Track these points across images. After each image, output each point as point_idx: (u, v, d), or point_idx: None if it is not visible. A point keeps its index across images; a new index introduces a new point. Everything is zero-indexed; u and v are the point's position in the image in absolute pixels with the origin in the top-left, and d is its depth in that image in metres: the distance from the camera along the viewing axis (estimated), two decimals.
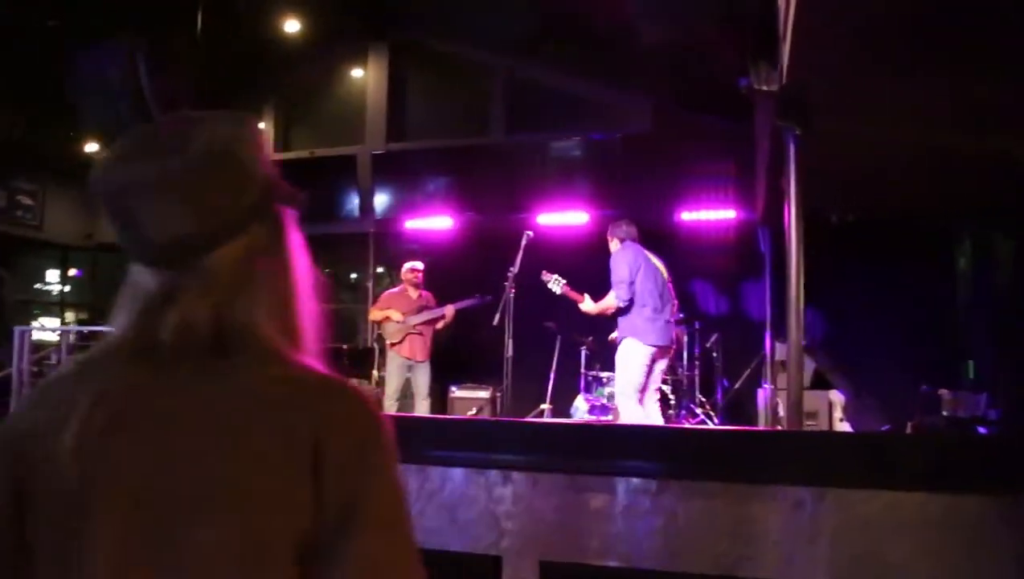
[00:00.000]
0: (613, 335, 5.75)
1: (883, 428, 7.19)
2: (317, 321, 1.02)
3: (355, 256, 10.37)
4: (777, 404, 7.43)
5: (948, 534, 3.34)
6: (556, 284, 5.84)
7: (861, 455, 3.60)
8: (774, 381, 7.45)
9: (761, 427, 6.81)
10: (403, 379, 7.64)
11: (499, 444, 4.04)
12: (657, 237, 7.70)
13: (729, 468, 3.72)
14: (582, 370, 7.93)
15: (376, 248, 9.95)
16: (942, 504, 3.34)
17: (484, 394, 8.35)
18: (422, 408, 7.52)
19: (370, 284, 9.93)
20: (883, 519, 3.40)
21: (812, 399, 7.73)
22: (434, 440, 4.27)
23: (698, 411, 7.72)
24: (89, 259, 11.36)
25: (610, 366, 6.35)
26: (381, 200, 9.62)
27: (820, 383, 7.83)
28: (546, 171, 8.84)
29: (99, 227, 10.30)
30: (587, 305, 5.70)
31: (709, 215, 8.20)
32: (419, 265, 7.81)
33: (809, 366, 7.83)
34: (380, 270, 9.89)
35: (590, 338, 7.62)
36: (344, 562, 0.88)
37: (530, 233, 5.84)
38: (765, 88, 4.04)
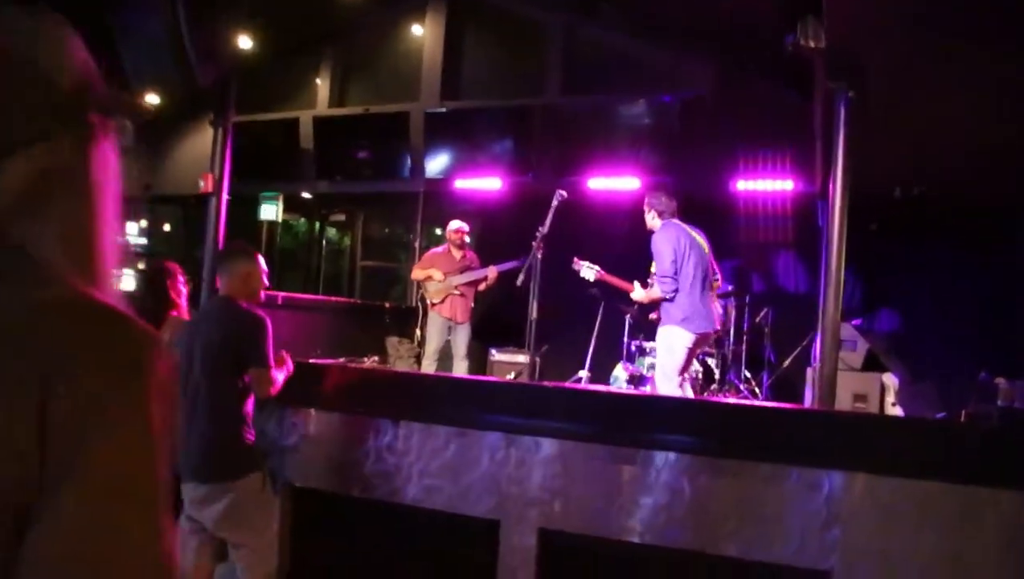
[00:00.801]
0: (653, 315, 5.58)
1: (937, 415, 6.82)
2: (116, 255, 0.85)
3: (405, 215, 10.29)
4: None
5: (972, 530, 3.10)
6: (589, 271, 5.67)
7: (887, 441, 3.36)
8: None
9: (796, 405, 6.53)
10: (443, 340, 7.60)
11: (503, 407, 3.96)
12: (711, 207, 7.72)
13: (745, 446, 3.55)
14: (624, 339, 7.81)
15: (425, 207, 9.81)
16: (969, 496, 3.10)
17: (523, 359, 8.06)
18: (460, 369, 7.48)
19: (418, 243, 9.79)
20: (904, 508, 3.18)
21: (864, 381, 7.42)
22: (442, 399, 4.23)
23: (742, 387, 7.50)
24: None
25: (653, 336, 6.19)
26: (433, 159, 9.36)
27: (874, 364, 7.50)
28: (599, 134, 8.52)
29: (157, 179, 10.45)
30: (638, 293, 5.53)
31: (766, 186, 7.83)
32: (464, 226, 7.74)
33: (863, 347, 7.50)
34: (437, 231, 9.75)
35: (635, 307, 7.36)
36: (42, 534, 0.71)
37: (563, 193, 5.55)
38: (812, 44, 3.75)
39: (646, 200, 5.58)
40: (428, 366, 7.60)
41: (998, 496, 2.98)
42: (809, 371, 7.46)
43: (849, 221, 7.23)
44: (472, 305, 7.71)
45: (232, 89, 6.62)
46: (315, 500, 4.29)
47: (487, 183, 9.01)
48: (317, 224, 11.72)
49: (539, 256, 5.40)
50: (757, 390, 7.52)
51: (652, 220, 5.50)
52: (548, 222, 5.42)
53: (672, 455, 3.55)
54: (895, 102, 4.27)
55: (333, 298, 8.66)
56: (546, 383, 5.64)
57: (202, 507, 3.50)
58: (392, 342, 8.68)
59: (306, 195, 10.75)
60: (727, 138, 7.82)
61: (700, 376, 7.16)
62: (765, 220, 7.99)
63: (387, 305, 9.33)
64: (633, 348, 7.77)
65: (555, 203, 5.49)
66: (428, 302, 7.64)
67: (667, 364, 5.27)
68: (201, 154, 9.67)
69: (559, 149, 8.63)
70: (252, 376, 3.55)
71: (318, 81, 10.38)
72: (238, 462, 3.53)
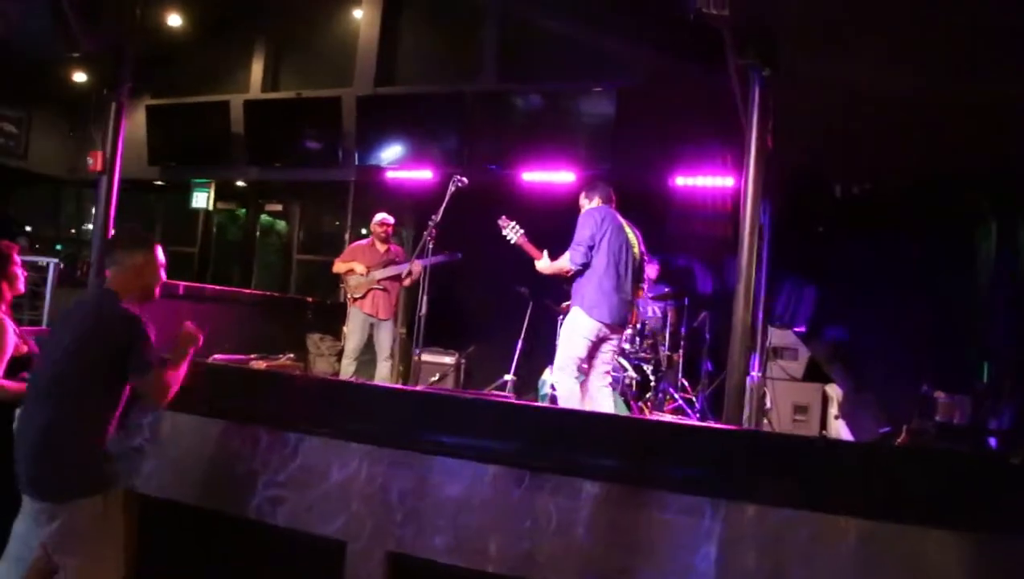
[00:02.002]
0: (564, 305, 5.21)
1: (881, 430, 6.42)
2: None
3: (340, 206, 9.82)
4: (764, 394, 6.73)
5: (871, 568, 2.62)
6: (513, 232, 5.22)
7: (776, 462, 2.88)
8: (764, 369, 6.76)
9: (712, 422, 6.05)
10: (364, 337, 7.16)
11: (359, 414, 3.46)
12: (649, 202, 7.32)
13: (620, 464, 3.05)
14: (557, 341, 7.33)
15: (357, 198, 9.36)
16: (868, 532, 2.62)
17: (449, 360, 7.83)
18: (382, 370, 7.06)
19: (347, 236, 9.32)
20: (791, 539, 2.70)
21: (805, 391, 7.01)
22: (301, 403, 3.73)
23: (677, 396, 7.01)
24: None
25: None
26: (365, 147, 8.92)
27: (816, 374, 7.08)
28: (535, 124, 8.12)
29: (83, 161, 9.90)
30: (543, 263, 5.10)
31: (706, 182, 7.38)
32: (389, 218, 7.33)
33: (804, 354, 7.09)
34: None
35: (566, 305, 7.11)
36: None
37: (462, 179, 5.28)
38: (715, 12, 3.26)
39: (585, 189, 5.24)
40: (348, 366, 7.18)
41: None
42: (747, 380, 7.03)
43: (794, 222, 7.03)
44: (395, 301, 7.28)
45: (128, 59, 6.08)
46: (161, 510, 3.79)
47: (419, 173, 8.60)
48: (254, 214, 11.20)
49: (431, 245, 5.18)
50: (694, 400, 7.03)
51: (586, 204, 5.18)
52: (442, 209, 5.17)
53: (546, 476, 3.00)
54: (810, 78, 3.78)
55: (246, 290, 8.19)
56: (419, 388, 5.20)
57: (35, 524, 2.98)
58: (313, 339, 8.22)
59: (240, 183, 10.29)
60: (665, 130, 7.40)
61: (635, 385, 6.72)
62: (705, 218, 7.54)
63: (309, 300, 8.85)
64: None
65: (452, 189, 5.20)
66: (349, 297, 7.21)
67: (563, 352, 4.85)
68: (134, 137, 9.25)
69: (494, 139, 8.24)
70: (136, 386, 3.02)
71: (250, 64, 9.93)
72: (74, 481, 2.98)
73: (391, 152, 8.74)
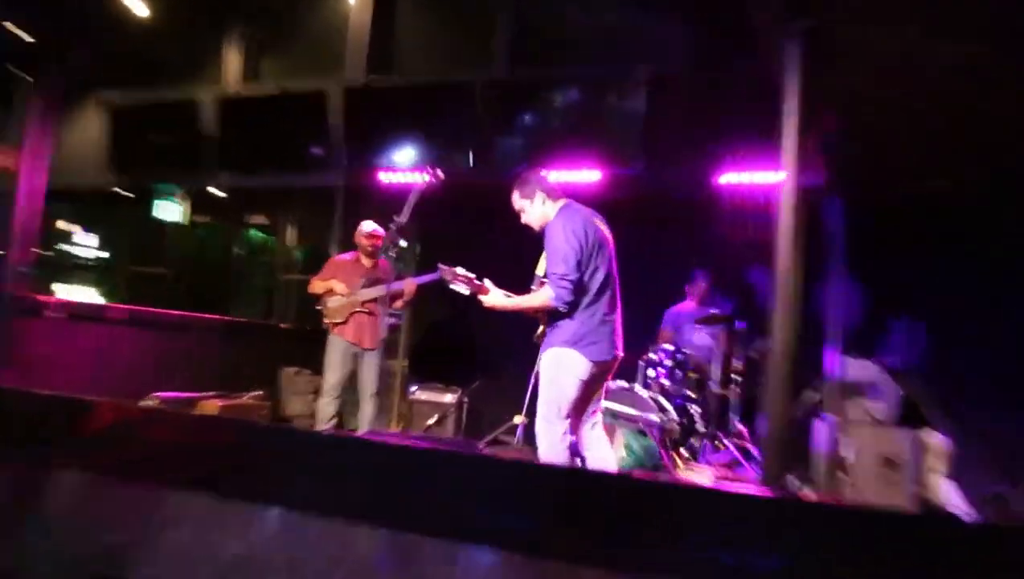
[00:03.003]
0: (539, 334, 4.37)
1: (995, 490, 5.30)
2: None
3: (320, 214, 9.02)
4: (838, 442, 5.59)
5: None
6: (462, 284, 4.32)
7: (860, 547, 1.91)
8: (840, 411, 5.57)
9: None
10: (346, 371, 6.34)
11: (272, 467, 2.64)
12: (688, 206, 6.90)
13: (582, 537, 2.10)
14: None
15: (346, 205, 8.47)
16: None
17: (449, 398, 6.90)
18: (366, 411, 6.31)
19: (334, 249, 8.34)
20: None
21: (894, 439, 5.74)
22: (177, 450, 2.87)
23: (728, 444, 6.00)
24: None
25: (622, 372, 5.16)
26: (355, 147, 8.08)
27: (913, 417, 5.79)
28: (555, 117, 7.29)
29: None
30: (493, 298, 4.28)
31: (757, 179, 6.34)
32: (379, 229, 6.50)
33: (895, 393, 5.91)
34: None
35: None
36: None
37: (437, 172, 4.77)
38: None
39: (518, 191, 4.40)
40: (326, 406, 6.33)
41: None
42: (817, 425, 5.92)
43: (870, 226, 6.13)
44: (383, 328, 6.41)
45: (52, 41, 5.14)
46: None
47: (420, 176, 7.53)
48: (236, 229, 10.64)
49: (393, 254, 4.73)
50: (750, 449, 6.02)
51: (539, 207, 4.37)
52: (407, 210, 4.72)
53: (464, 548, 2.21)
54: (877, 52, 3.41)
55: (207, 316, 7.32)
56: (362, 433, 4.81)
57: None
58: (287, 374, 7.36)
59: (217, 193, 9.49)
60: (706, 122, 6.58)
61: (677, 430, 5.99)
62: (757, 223, 6.53)
63: (283, 326, 8.10)
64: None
65: (418, 186, 4.75)
66: (328, 323, 6.38)
67: (551, 401, 4.15)
68: (90, 140, 8.47)
69: (507, 135, 7.44)
70: None
71: (224, 55, 9.08)
72: None
73: (388, 151, 8.00)
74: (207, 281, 10.62)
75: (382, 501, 2.30)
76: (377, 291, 6.29)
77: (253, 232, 10.88)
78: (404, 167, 7.84)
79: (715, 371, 6.24)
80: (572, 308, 4.15)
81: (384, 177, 7.83)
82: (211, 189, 9.52)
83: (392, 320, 8.57)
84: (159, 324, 6.63)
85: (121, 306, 6.13)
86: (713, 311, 6.50)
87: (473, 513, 2.24)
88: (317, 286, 6.47)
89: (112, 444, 2.96)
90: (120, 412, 3.09)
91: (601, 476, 2.87)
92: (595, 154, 6.99)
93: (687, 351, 6.35)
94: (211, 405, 5.92)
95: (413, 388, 7.10)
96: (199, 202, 9.87)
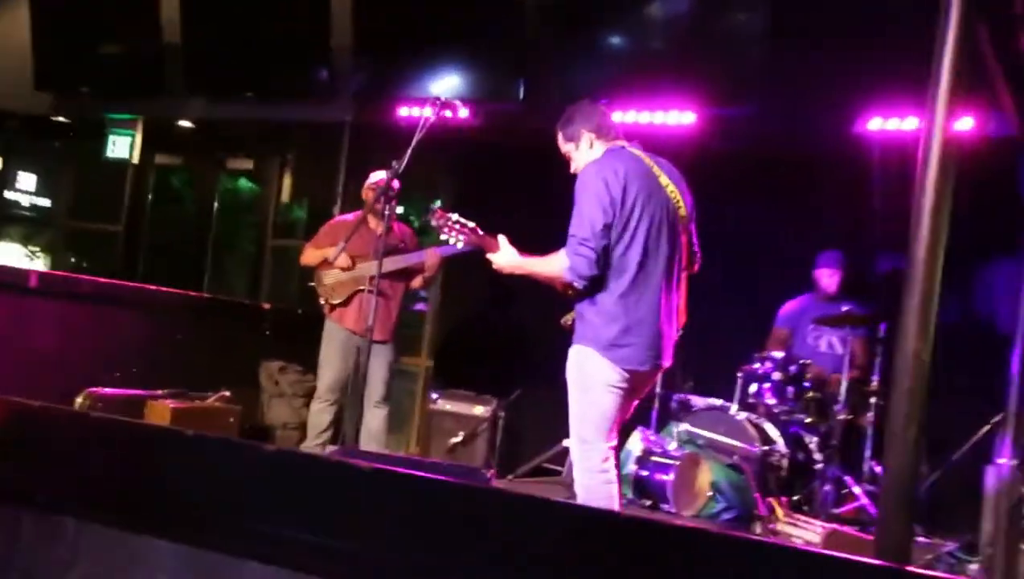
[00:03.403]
0: (568, 318, 4.57)
1: None
2: None
3: (323, 159, 9.39)
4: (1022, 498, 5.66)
5: None
6: (455, 233, 4.66)
7: None
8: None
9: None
10: (347, 367, 6.72)
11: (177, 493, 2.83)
12: (820, 163, 7.02)
13: None
14: (657, 387, 6.64)
15: (352, 147, 8.76)
16: None
17: (481, 411, 7.19)
18: (372, 424, 6.61)
19: (338, 204, 8.69)
20: None
21: None
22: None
23: (858, 490, 6.15)
24: None
25: (710, 384, 5.70)
26: (367, 68, 8.36)
27: None
28: (631, 36, 7.52)
29: None
30: (504, 257, 4.52)
31: (920, 126, 6.30)
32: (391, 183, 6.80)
33: None
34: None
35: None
36: None
37: (450, 104, 5.29)
38: None
39: (561, 132, 4.58)
40: (319, 413, 6.78)
41: None
42: (990, 470, 6.01)
43: None
44: (398, 313, 6.81)
45: None
46: None
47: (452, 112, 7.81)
48: (211, 174, 10.89)
49: (386, 210, 5.10)
50: None
51: (586, 152, 4.49)
52: (409, 153, 4.94)
53: None
54: None
55: (167, 290, 7.68)
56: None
57: None
58: (269, 370, 7.64)
59: (184, 124, 9.82)
60: (852, 44, 6.65)
61: (786, 467, 6.17)
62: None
63: (266, 307, 8.27)
64: (674, 403, 6.77)
65: (427, 119, 5.05)
66: (324, 304, 6.75)
67: (585, 416, 4.32)
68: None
69: (568, 61, 7.69)
70: None
71: None
72: None
73: (412, 77, 8.23)
74: (172, 243, 10.89)
75: (337, 547, 2.46)
76: (391, 264, 6.47)
77: (234, 180, 11.14)
78: (433, 100, 8.12)
79: (843, 390, 6.31)
80: (596, 288, 4.22)
81: (405, 112, 8.10)
82: (180, 121, 9.78)
83: (421, 305, 8.69)
84: (102, 297, 6.85)
85: (53, 273, 6.39)
86: (845, 308, 6.55)
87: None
88: (310, 255, 6.73)
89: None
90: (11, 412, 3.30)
91: (661, 527, 2.98)
92: (690, 88, 7.15)
93: (805, 361, 6.42)
94: (161, 408, 6.16)
95: (434, 396, 7.35)
96: (162, 138, 10.10)
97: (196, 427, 6.12)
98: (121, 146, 9.44)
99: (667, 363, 4.44)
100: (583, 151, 4.43)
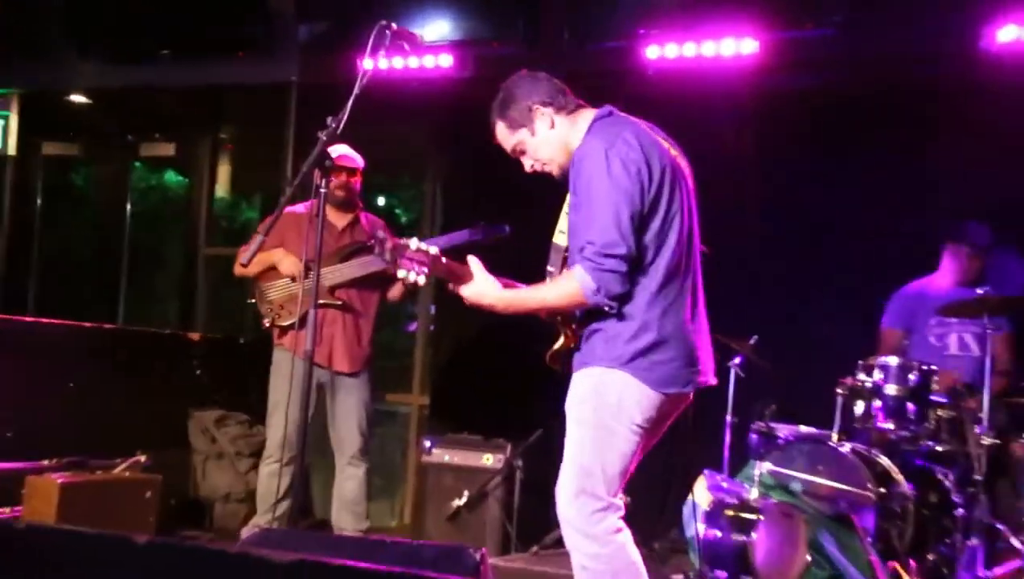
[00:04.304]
0: (557, 347, 4.70)
1: None
2: None
3: (268, 137, 9.62)
4: None
5: None
6: (414, 274, 4.45)
7: None
8: None
9: None
10: (301, 413, 6.00)
11: None
12: (928, 97, 7.12)
13: None
14: (728, 414, 6.90)
15: (301, 116, 8.93)
16: None
17: (491, 460, 7.22)
18: (346, 490, 6.86)
19: (285, 192, 8.63)
20: None
21: None
22: None
23: (1016, 544, 6.09)
24: None
25: (809, 408, 5.83)
26: (314, 17, 8.66)
27: None
28: None
29: None
30: (480, 288, 4.43)
31: None
32: (355, 156, 7.07)
33: None
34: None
35: (752, 339, 6.91)
36: None
37: (390, 26, 4.98)
38: None
39: (501, 119, 4.60)
40: (269, 479, 6.86)
41: None
42: None
43: None
44: (371, 335, 7.01)
45: None
46: None
47: (431, 60, 8.45)
48: (119, 165, 11.02)
49: (322, 188, 5.05)
50: None
51: (548, 133, 4.52)
52: (348, 108, 4.84)
53: None
54: None
55: (59, 322, 7.77)
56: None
57: None
58: (202, 422, 7.82)
59: (77, 98, 10.03)
60: None
61: (913, 515, 6.01)
62: None
63: (194, 338, 8.39)
64: (752, 436, 6.73)
65: (369, 49, 4.97)
66: (269, 326, 6.87)
67: (588, 461, 4.28)
68: None
69: None
70: None
71: None
72: None
73: (362, 23, 7.99)
74: (72, 260, 10.97)
75: None
76: (357, 268, 6.69)
77: (152, 171, 11.24)
78: (380, 27, 8.32)
79: (986, 405, 6.21)
80: (624, 300, 4.19)
81: (367, 65, 8.11)
82: (72, 95, 9.93)
83: (411, 324, 8.72)
84: None
85: None
86: (981, 291, 6.44)
87: None
88: (247, 263, 6.57)
89: None
90: None
91: None
92: (749, 6, 7.24)
93: (929, 366, 6.35)
94: (46, 485, 6.11)
95: (428, 444, 7.35)
96: (49, 117, 10.39)
97: (99, 507, 6.32)
98: None
99: (712, 380, 4.47)
100: (542, 134, 4.44)
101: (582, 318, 4.35)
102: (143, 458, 6.94)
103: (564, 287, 4.24)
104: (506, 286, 4.39)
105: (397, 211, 8.98)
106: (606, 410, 4.24)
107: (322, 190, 5.03)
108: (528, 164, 4.54)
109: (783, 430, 6.60)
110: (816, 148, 7.05)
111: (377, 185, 8.97)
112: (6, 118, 9.74)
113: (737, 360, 6.93)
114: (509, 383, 7.91)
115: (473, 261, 4.43)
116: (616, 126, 4.33)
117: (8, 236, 10.66)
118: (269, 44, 8.83)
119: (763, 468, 6.30)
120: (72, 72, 9.54)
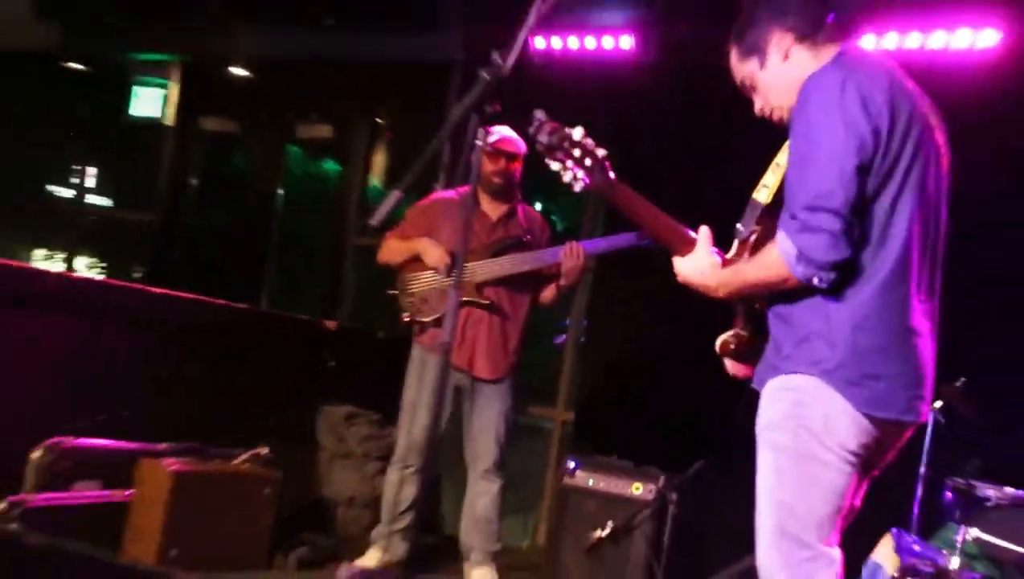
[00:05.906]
0: (729, 338, 4.07)
1: None
2: None
3: (421, 112, 9.67)
4: None
5: None
6: (572, 170, 3.96)
7: None
8: None
9: None
10: (439, 418, 5.60)
11: None
12: None
13: None
14: (922, 465, 6.25)
15: (462, 96, 8.42)
16: None
17: (640, 490, 6.56)
18: (478, 505, 6.53)
19: (440, 178, 8.38)
20: None
21: None
22: None
23: None
24: None
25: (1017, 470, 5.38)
26: None
27: None
28: None
29: None
30: (696, 263, 3.86)
31: None
32: (516, 140, 6.57)
33: None
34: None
35: (960, 381, 6.25)
36: None
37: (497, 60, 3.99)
38: None
39: (736, 45, 3.96)
40: (398, 484, 6.53)
41: None
42: None
43: None
44: (519, 338, 6.63)
45: None
46: None
47: (606, 41, 8.26)
48: (275, 144, 11.01)
49: (478, 138, 3.90)
50: None
51: (782, 67, 3.87)
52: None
53: None
54: None
55: (196, 298, 7.55)
56: None
57: None
58: (331, 419, 7.53)
59: (236, 71, 9.98)
60: None
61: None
62: None
63: (330, 325, 8.14)
64: (949, 495, 6.07)
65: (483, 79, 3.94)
66: (409, 321, 6.59)
67: (796, 500, 3.71)
68: None
69: None
70: None
71: None
72: None
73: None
74: (220, 237, 11.08)
75: None
76: (509, 264, 6.44)
77: (307, 157, 11.33)
78: (568, 26, 8.09)
79: None
80: (840, 281, 3.53)
81: (542, 43, 8.07)
82: (232, 67, 9.85)
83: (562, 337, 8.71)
84: (86, 305, 6.64)
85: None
86: None
87: None
88: (393, 249, 6.63)
89: None
90: None
91: None
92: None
93: None
94: (158, 470, 5.79)
95: (572, 464, 6.89)
96: (206, 91, 10.41)
97: (213, 500, 6.01)
98: (147, 101, 9.67)
99: (927, 415, 3.87)
100: (773, 69, 3.77)
101: (772, 302, 3.73)
102: (265, 451, 6.58)
103: (763, 259, 3.62)
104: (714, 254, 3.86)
105: (553, 217, 8.57)
106: (805, 433, 3.61)
107: (477, 143, 4.33)
108: (757, 105, 3.88)
109: (991, 492, 5.75)
110: None
111: (532, 185, 8.52)
112: (166, 87, 9.61)
113: (938, 404, 6.13)
114: (667, 405, 7.51)
115: (704, 231, 3.83)
116: (867, 62, 3.67)
117: (164, 211, 10.72)
118: (434, 18, 8.66)
119: (969, 534, 5.57)
120: (233, 39, 9.45)
